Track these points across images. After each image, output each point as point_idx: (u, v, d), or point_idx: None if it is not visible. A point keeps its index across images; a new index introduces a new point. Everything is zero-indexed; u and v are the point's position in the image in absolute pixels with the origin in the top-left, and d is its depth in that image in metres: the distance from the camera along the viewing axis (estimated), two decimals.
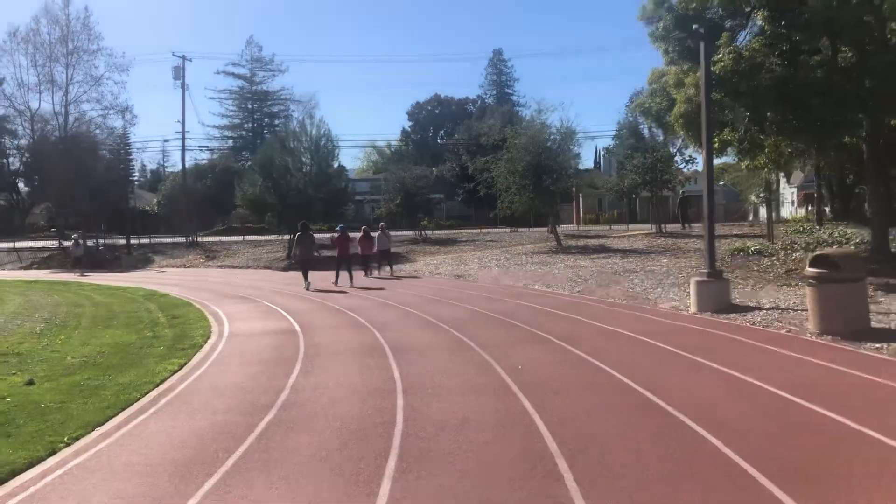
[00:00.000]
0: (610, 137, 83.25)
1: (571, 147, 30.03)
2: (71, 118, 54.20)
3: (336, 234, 23.39)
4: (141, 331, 13.37)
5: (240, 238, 42.56)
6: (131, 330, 13.48)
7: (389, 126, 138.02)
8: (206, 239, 44.06)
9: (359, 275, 23.16)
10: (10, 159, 59.49)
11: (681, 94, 18.08)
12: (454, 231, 43.53)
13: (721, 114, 17.08)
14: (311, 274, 21.09)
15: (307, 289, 20.03)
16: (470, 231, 43.11)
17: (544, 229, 40.90)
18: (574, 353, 9.59)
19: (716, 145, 17.44)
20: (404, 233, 41.56)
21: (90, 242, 41.69)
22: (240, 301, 18.22)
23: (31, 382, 8.49)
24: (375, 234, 24.75)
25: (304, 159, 32.54)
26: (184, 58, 63.53)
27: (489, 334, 11.40)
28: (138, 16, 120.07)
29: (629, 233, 34.36)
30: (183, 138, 63.62)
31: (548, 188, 28.76)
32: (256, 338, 12.23)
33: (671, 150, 32.45)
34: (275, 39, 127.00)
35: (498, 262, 25.61)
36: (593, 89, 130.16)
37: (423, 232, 39.43)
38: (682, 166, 32.34)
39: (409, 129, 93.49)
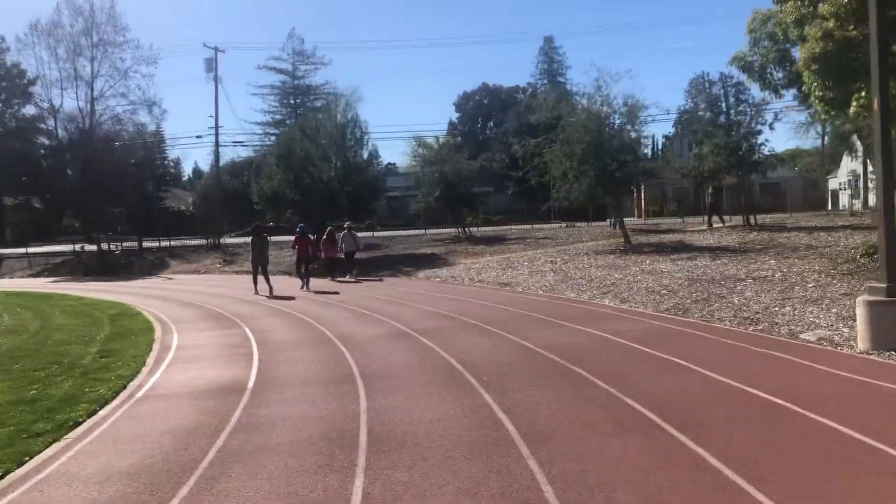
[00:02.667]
0: (670, 124, 76.99)
1: (638, 125, 25.02)
2: (97, 114, 51.03)
3: (295, 235, 22.09)
4: (36, 382, 9.11)
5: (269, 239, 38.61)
6: (24, 381, 9.22)
7: (436, 118, 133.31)
8: (230, 241, 40.27)
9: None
10: (46, 160, 57.11)
11: (813, 30, 13.03)
12: (502, 227, 38.80)
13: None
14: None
15: (257, 294, 18.95)
16: (520, 227, 38.31)
17: (605, 224, 35.88)
18: (700, 457, 4.95)
19: (859, 103, 12.37)
20: (444, 230, 37.02)
21: (111, 246, 38.62)
22: (215, 324, 13.95)
23: None
24: (340, 235, 23.41)
25: (328, 148, 28.27)
26: (216, 49, 60.15)
27: (546, 402, 6.80)
28: (166, 6, 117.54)
29: (701, 227, 29.13)
30: (216, 134, 60.25)
31: (612, 174, 23.86)
32: (171, 400, 7.82)
33: (761, 121, 26.82)
34: (316, 31, 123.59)
35: (553, 266, 20.88)
36: (650, 73, 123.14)
37: (466, 229, 34.83)
38: (762, 144, 26.68)
39: (455, 121, 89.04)
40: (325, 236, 23.21)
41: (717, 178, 28.28)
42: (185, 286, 23.81)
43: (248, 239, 22.44)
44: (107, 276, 31.86)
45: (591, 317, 12.39)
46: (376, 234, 37.09)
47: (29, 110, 60.25)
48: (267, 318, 14.59)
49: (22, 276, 35.19)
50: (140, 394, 8.27)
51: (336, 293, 18.68)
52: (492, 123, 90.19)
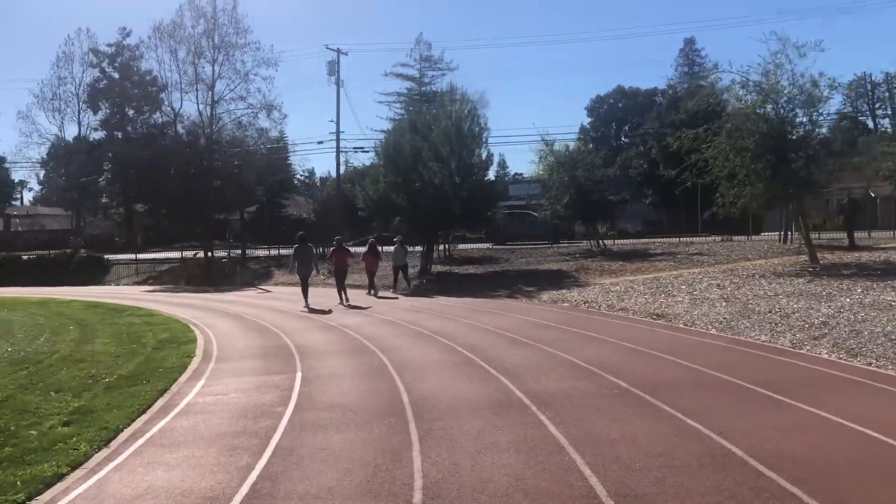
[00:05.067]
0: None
1: (823, 110, 19.55)
2: (216, 118, 49.89)
3: (332, 247, 21.04)
4: None
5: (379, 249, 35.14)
6: None
7: (566, 123, 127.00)
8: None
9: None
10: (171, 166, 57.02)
11: None
12: (642, 240, 33.59)
13: None
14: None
15: (307, 308, 17.64)
16: (664, 240, 32.91)
17: (771, 236, 29.98)
18: None
19: None
20: (574, 243, 32.28)
21: (219, 254, 36.86)
22: (263, 363, 10.24)
23: None
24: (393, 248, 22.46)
25: (441, 147, 24.40)
26: (338, 51, 58.41)
27: None
28: (287, 7, 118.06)
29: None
30: (337, 139, 58.55)
31: (796, 173, 18.54)
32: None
33: None
34: (442, 33, 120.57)
35: (722, 291, 15.91)
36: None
37: (600, 242, 30.01)
38: None
39: (587, 126, 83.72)
40: (366, 249, 22.06)
41: None
42: (273, 301, 20.60)
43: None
44: (207, 285, 29.60)
45: (816, 384, 7.69)
46: (496, 245, 32.86)
47: (157, 117, 60.54)
48: (336, 357, 10.75)
49: (127, 284, 33.75)
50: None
51: (415, 311, 14.68)
52: (627, 128, 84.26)
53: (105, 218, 68.57)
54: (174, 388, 8.88)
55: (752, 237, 31.36)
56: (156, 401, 8.11)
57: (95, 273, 35.88)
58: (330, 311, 17.11)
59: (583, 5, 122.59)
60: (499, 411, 7.06)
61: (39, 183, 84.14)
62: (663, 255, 26.24)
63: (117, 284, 33.85)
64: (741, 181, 18.89)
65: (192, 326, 15.20)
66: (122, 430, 6.89)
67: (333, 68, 57.92)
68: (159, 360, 11.02)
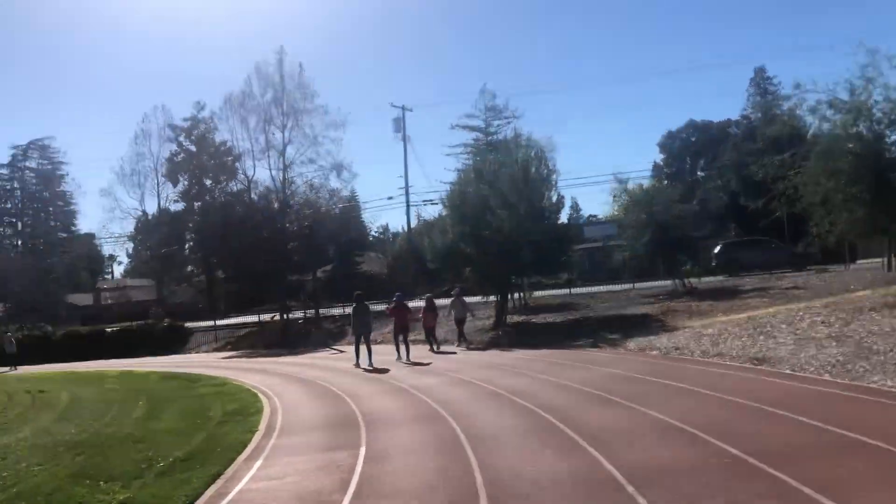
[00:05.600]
0: None
1: None
2: (288, 182, 50.80)
3: (392, 304, 20.54)
4: None
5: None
6: None
7: (638, 161, 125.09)
8: (413, 304, 36.54)
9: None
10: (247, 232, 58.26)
11: None
12: (729, 278, 31.65)
13: None
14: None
15: (359, 366, 17.73)
16: (753, 277, 30.88)
17: (872, 263, 27.69)
18: None
19: None
20: (655, 283, 30.63)
21: (295, 315, 36.86)
22: (328, 435, 9.45)
23: None
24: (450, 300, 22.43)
25: (508, 193, 23.59)
26: (403, 108, 59.00)
27: None
28: (351, 69, 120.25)
29: None
30: (406, 193, 58.74)
31: None
32: None
33: None
34: (505, 80, 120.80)
35: (829, 329, 14.33)
36: None
37: (685, 281, 28.36)
38: None
39: (661, 163, 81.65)
40: (424, 305, 21.53)
41: None
42: (344, 363, 19.94)
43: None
44: (282, 348, 29.39)
45: None
46: (574, 290, 31.54)
47: (233, 185, 62.18)
48: (404, 427, 9.86)
49: (206, 351, 33.95)
50: None
51: (489, 368, 13.64)
52: (702, 163, 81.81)
53: (188, 286, 70.38)
54: (229, 471, 8.16)
55: (851, 266, 29.12)
56: (205, 490, 7.39)
57: (176, 342, 36.33)
58: (412, 362, 16.34)
59: (642, 42, 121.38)
60: (589, 496, 6.01)
61: (127, 256, 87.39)
62: (755, 291, 24.45)
63: (197, 352, 34.08)
64: (837, 206, 17.34)
65: (260, 395, 14.62)
66: None
67: (399, 125, 58.43)
68: (221, 436, 10.38)
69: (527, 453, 7.67)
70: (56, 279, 67.83)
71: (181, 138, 67.48)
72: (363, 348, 18.28)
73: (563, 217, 26.54)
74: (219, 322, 39.39)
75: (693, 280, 28.93)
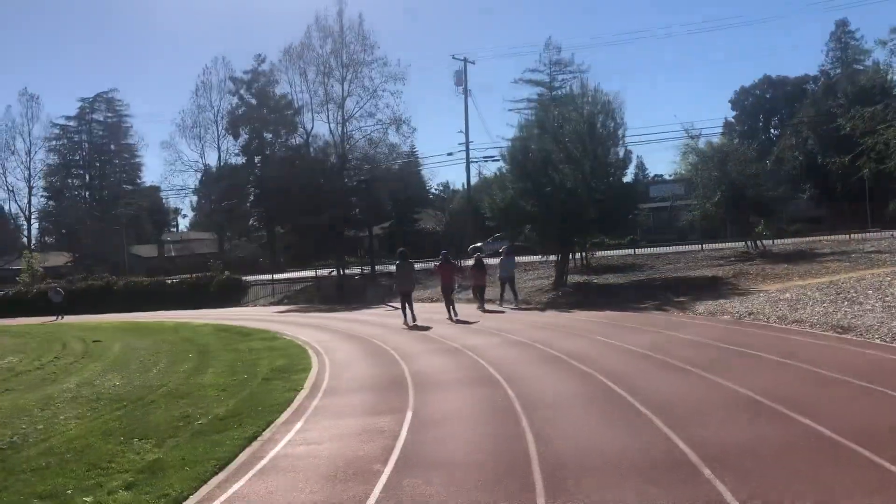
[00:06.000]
0: None
1: None
2: (347, 136, 50.36)
3: (438, 262, 20.90)
4: None
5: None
6: None
7: (708, 117, 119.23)
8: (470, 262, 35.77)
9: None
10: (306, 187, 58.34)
11: None
12: (804, 239, 29.91)
13: None
14: None
15: (406, 324, 17.30)
16: (829, 238, 29.06)
17: None
18: None
19: None
20: (725, 245, 29.13)
21: (353, 271, 36.74)
22: (373, 398, 8.90)
23: None
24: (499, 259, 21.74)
25: (573, 147, 22.48)
26: (465, 60, 57.61)
27: None
28: (412, 19, 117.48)
29: None
30: (467, 149, 57.67)
31: None
32: None
33: None
34: (572, 32, 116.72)
35: None
36: None
37: (758, 243, 26.86)
38: None
39: (732, 120, 78.27)
40: (472, 262, 21.46)
41: None
42: (398, 320, 19.49)
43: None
44: (339, 303, 29.20)
45: None
46: (638, 251, 30.30)
47: (294, 140, 62.22)
48: (454, 390, 9.24)
49: (263, 304, 34.08)
50: None
51: (549, 329, 12.87)
52: (776, 120, 78.14)
53: (248, 241, 71.29)
54: (267, 433, 7.67)
55: None
56: (239, 453, 6.89)
57: (234, 294, 36.61)
58: (462, 321, 15.78)
59: None
60: (658, 477, 5.25)
61: (192, 209, 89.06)
62: (833, 254, 22.97)
63: (255, 305, 34.27)
64: None
65: (310, 351, 14.23)
66: (185, 500, 5.68)
67: (461, 78, 57.11)
68: (265, 393, 9.95)
69: (586, 425, 6.94)
70: (120, 231, 69.45)
71: (242, 91, 67.61)
72: (407, 307, 17.93)
73: (629, 175, 25.23)
74: (276, 276, 39.52)
75: (766, 242, 27.40)
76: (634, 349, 11.18)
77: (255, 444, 7.22)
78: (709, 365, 9.29)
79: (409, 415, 7.93)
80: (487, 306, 20.26)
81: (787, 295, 15.45)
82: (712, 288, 18.95)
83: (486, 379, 9.72)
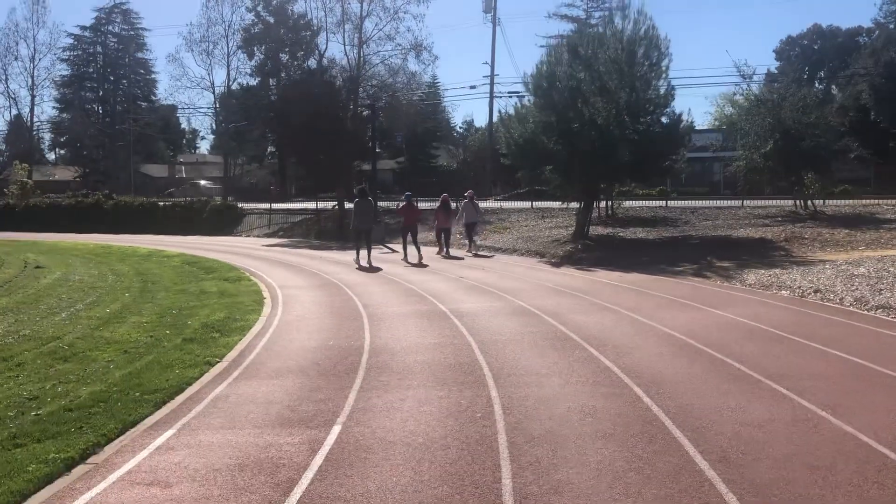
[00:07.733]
0: None
1: None
2: (364, 61, 47.11)
3: (401, 203, 20.69)
4: None
5: (528, 205, 30.31)
6: None
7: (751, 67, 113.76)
8: (493, 205, 32.80)
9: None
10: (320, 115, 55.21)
11: None
12: (858, 201, 26.51)
13: None
14: None
15: (358, 263, 16.78)
16: (891, 203, 25.63)
17: None
18: None
19: None
20: (768, 202, 25.76)
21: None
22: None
23: None
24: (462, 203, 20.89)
25: (607, 77, 19.23)
26: None
27: None
28: None
29: None
30: (491, 81, 54.27)
31: None
32: None
33: None
34: None
35: None
36: None
37: (808, 202, 23.63)
38: None
39: (776, 71, 73.37)
40: (438, 204, 20.29)
41: None
42: (395, 267, 16.74)
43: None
44: (336, 240, 26.55)
45: None
46: (670, 203, 26.99)
47: (311, 63, 58.56)
48: (426, 384, 6.51)
49: (257, 235, 31.48)
50: None
51: (565, 294, 10.05)
52: (823, 73, 73.20)
53: (261, 167, 68.42)
54: (109, 448, 5.00)
55: None
56: (38, 490, 4.23)
57: (229, 222, 34.04)
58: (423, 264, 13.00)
59: None
60: None
61: (212, 132, 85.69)
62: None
63: (248, 235, 31.70)
64: None
65: (267, 302, 11.57)
66: None
67: (490, 4, 53.25)
68: (165, 365, 7.29)
69: (603, 476, 4.18)
70: (127, 146, 66.70)
71: (259, 8, 63.68)
72: (364, 248, 17.46)
73: (671, 115, 21.76)
74: (274, 206, 36.82)
75: (816, 202, 24.16)
76: (674, 334, 8.36)
77: (70, 476, 4.53)
78: (783, 372, 6.46)
79: (334, 431, 5.20)
80: (453, 252, 19.69)
81: (862, 269, 12.44)
82: (761, 252, 15.95)
83: (468, 368, 6.97)
